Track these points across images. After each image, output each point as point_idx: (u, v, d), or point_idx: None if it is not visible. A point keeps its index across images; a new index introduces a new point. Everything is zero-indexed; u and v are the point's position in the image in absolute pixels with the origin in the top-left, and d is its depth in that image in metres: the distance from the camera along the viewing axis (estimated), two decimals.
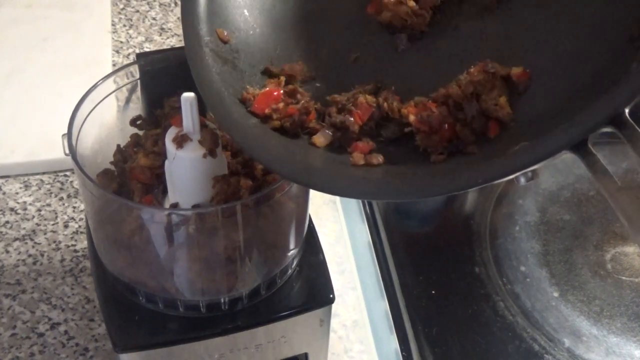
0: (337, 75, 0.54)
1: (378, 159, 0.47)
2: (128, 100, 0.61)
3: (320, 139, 0.49)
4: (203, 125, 0.52)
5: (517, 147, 0.41)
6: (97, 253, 0.58)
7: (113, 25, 1.04)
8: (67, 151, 0.53)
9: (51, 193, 0.82)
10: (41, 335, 0.69)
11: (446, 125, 0.46)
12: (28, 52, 0.96)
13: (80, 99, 0.56)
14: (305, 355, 0.62)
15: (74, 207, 0.81)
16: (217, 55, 0.51)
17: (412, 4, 0.52)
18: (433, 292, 0.75)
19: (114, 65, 0.97)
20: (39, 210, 0.80)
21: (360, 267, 0.78)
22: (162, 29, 1.04)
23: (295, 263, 0.60)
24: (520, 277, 0.76)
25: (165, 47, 1.01)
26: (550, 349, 0.70)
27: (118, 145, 0.59)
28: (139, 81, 0.60)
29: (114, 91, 0.59)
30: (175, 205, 0.54)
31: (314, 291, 0.59)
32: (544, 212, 0.83)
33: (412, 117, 0.47)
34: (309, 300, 0.59)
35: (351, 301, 0.75)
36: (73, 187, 0.83)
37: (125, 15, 1.06)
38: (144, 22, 1.05)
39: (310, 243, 0.61)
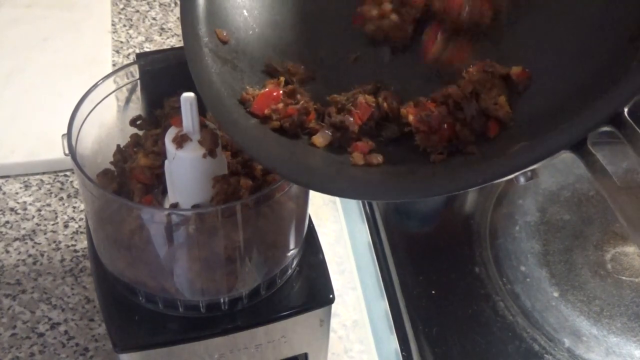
0: (336, 75, 0.54)
1: (378, 158, 0.47)
2: (128, 100, 0.61)
3: (319, 139, 0.49)
4: (203, 125, 0.52)
5: (516, 146, 0.41)
6: (97, 253, 0.58)
7: (113, 25, 1.04)
8: (67, 151, 0.53)
9: (51, 193, 0.82)
10: (41, 335, 0.69)
11: (445, 125, 0.46)
12: (28, 52, 0.96)
13: (80, 99, 0.56)
14: (305, 355, 0.62)
15: (74, 207, 0.81)
16: (216, 55, 0.51)
17: (394, 17, 0.52)
18: (433, 292, 0.75)
19: (114, 65, 0.97)
20: (39, 210, 0.80)
21: (360, 267, 0.78)
22: (162, 29, 1.04)
23: (295, 263, 0.60)
24: (520, 277, 0.76)
25: (165, 47, 1.01)
26: (550, 349, 0.70)
27: (118, 145, 0.59)
28: (139, 81, 0.60)
29: (114, 91, 0.59)
30: (175, 205, 0.54)
31: (314, 291, 0.59)
32: (544, 212, 0.83)
33: (411, 117, 0.47)
34: (309, 300, 0.59)
35: (351, 301, 0.75)
36: (73, 187, 0.83)
37: (125, 15, 1.06)
38: (144, 22, 1.05)
39: (310, 243, 0.61)
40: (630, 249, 0.79)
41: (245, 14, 0.55)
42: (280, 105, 0.50)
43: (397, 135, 0.49)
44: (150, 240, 0.53)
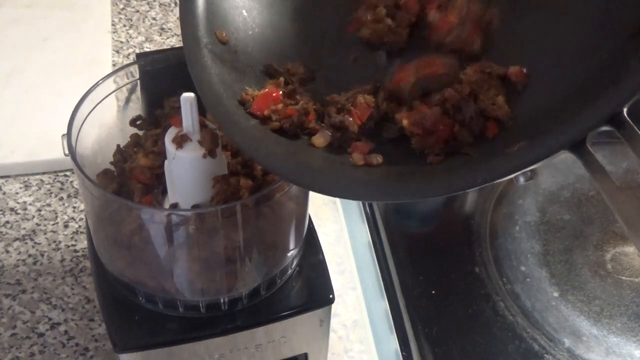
0: (336, 75, 0.54)
1: (377, 159, 0.47)
2: (128, 100, 0.61)
3: (319, 140, 0.49)
4: (203, 126, 0.52)
5: (515, 146, 0.41)
6: (97, 253, 0.58)
7: (113, 25, 1.04)
8: (67, 151, 0.53)
9: (51, 193, 0.82)
10: (41, 335, 0.69)
11: (441, 127, 0.46)
12: (28, 52, 0.96)
13: (80, 99, 0.56)
14: (305, 355, 0.62)
15: (74, 207, 0.81)
16: (216, 56, 0.51)
17: (388, 22, 0.52)
18: (433, 292, 0.75)
19: (114, 65, 0.97)
20: (39, 210, 0.80)
21: (360, 267, 0.78)
22: (162, 29, 1.04)
23: (295, 263, 0.60)
24: (520, 277, 0.76)
25: (165, 47, 1.01)
26: (550, 349, 0.70)
27: (118, 145, 0.59)
28: (138, 81, 0.60)
29: (114, 91, 0.59)
30: (175, 206, 0.54)
31: (313, 291, 0.59)
32: (544, 212, 0.83)
33: (405, 122, 0.47)
34: (308, 300, 0.59)
35: (351, 301, 0.75)
36: (73, 187, 0.83)
37: (125, 15, 1.06)
38: (144, 22, 1.05)
39: (310, 243, 0.61)
40: (630, 249, 0.78)
41: (245, 14, 0.55)
42: (280, 106, 0.50)
43: (397, 136, 0.49)
44: (150, 240, 0.53)
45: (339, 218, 0.83)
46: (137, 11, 1.07)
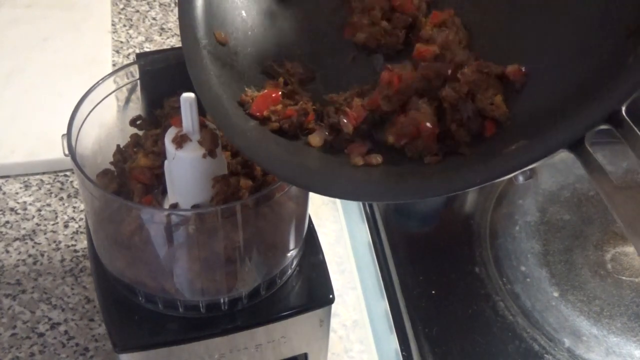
0: (336, 75, 0.54)
1: (377, 159, 0.47)
2: (128, 100, 0.61)
3: (315, 139, 0.49)
4: (203, 126, 0.52)
5: (514, 146, 0.41)
6: (97, 253, 0.58)
7: (113, 25, 1.04)
8: (67, 151, 0.53)
9: (51, 193, 0.82)
10: (41, 335, 0.69)
11: (424, 127, 0.46)
12: (28, 52, 0.96)
13: (80, 99, 0.56)
14: (305, 355, 0.62)
15: (74, 207, 0.81)
16: (215, 57, 0.51)
17: (384, 24, 0.52)
18: (433, 292, 0.75)
19: (114, 65, 0.97)
20: (39, 210, 0.80)
21: (360, 267, 0.78)
22: (162, 29, 1.04)
23: (295, 263, 0.60)
24: (520, 277, 0.76)
25: (165, 47, 1.01)
26: (550, 349, 0.70)
27: (118, 145, 0.59)
28: (138, 81, 0.60)
29: (114, 91, 0.59)
30: (175, 206, 0.54)
31: (313, 291, 0.59)
32: (544, 212, 0.83)
33: (391, 138, 0.47)
34: (308, 300, 0.59)
35: (351, 301, 0.75)
36: (73, 187, 0.83)
37: (125, 15, 1.06)
38: (144, 22, 1.05)
39: (310, 243, 0.61)
40: (630, 249, 0.78)
41: (244, 14, 0.55)
42: (279, 107, 0.50)
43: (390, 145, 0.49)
44: (150, 240, 0.53)
45: (339, 218, 0.83)
46: (137, 11, 1.07)
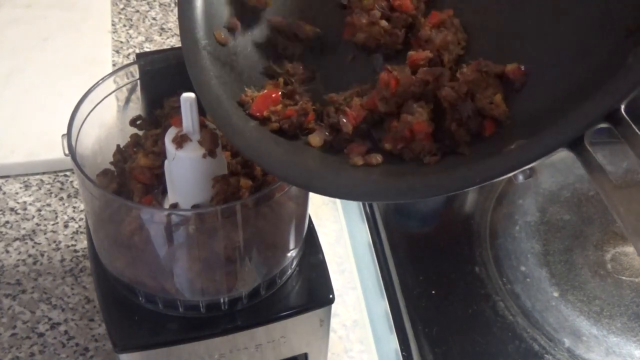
0: (336, 75, 0.54)
1: (377, 158, 0.47)
2: (128, 100, 0.61)
3: (315, 139, 0.49)
4: (203, 126, 0.52)
5: (513, 145, 0.41)
6: (97, 253, 0.58)
7: (113, 25, 1.04)
8: (67, 151, 0.53)
9: (51, 193, 0.82)
10: (41, 335, 0.69)
11: (418, 128, 0.46)
12: (28, 52, 0.96)
13: (80, 99, 0.56)
14: (305, 355, 0.62)
15: (74, 207, 0.81)
16: (215, 57, 0.51)
17: (384, 23, 0.52)
18: (433, 292, 0.75)
19: (114, 65, 0.97)
20: (39, 210, 0.80)
21: (360, 267, 0.78)
22: (162, 29, 1.04)
23: (295, 263, 0.60)
24: (520, 277, 0.76)
25: (165, 47, 1.01)
26: (550, 349, 0.70)
27: (118, 145, 0.59)
28: (138, 81, 0.60)
29: (114, 91, 0.59)
30: (175, 206, 0.54)
31: (314, 291, 0.59)
32: (544, 212, 0.83)
33: (387, 145, 0.47)
34: (308, 300, 0.59)
35: (351, 301, 0.75)
36: (73, 187, 0.83)
37: (125, 15, 1.06)
38: (144, 22, 1.05)
39: (310, 243, 0.61)
40: (630, 249, 0.78)
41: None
42: (279, 107, 0.50)
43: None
44: (150, 240, 0.53)
45: (339, 218, 0.83)
46: (137, 11, 1.07)
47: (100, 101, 0.58)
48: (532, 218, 0.83)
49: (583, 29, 0.45)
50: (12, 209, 0.80)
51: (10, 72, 0.93)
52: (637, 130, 0.38)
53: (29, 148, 0.84)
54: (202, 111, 0.51)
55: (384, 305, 0.75)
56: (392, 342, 0.72)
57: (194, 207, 0.54)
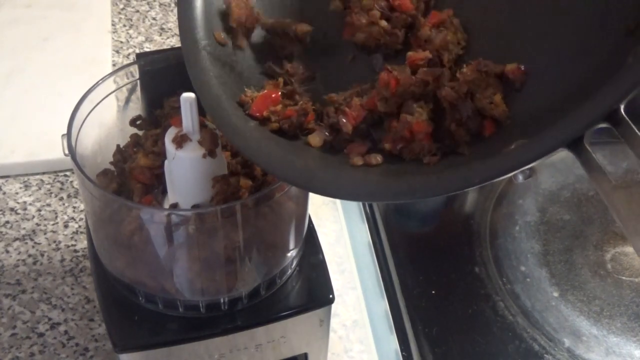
0: (336, 75, 0.54)
1: (377, 158, 0.47)
2: (128, 100, 0.61)
3: (315, 139, 0.49)
4: (202, 126, 0.52)
5: (513, 145, 0.41)
6: (97, 253, 0.58)
7: (113, 25, 1.04)
8: (67, 151, 0.53)
9: (51, 193, 0.82)
10: (41, 335, 0.69)
11: (417, 129, 0.46)
12: (28, 52, 0.96)
13: (80, 99, 0.56)
14: (305, 355, 0.62)
15: (74, 207, 0.81)
16: (214, 58, 0.51)
17: (384, 23, 0.52)
18: (433, 292, 0.75)
19: (114, 65, 0.97)
20: (39, 210, 0.80)
21: (360, 267, 0.78)
22: (162, 29, 1.04)
23: (295, 263, 0.60)
24: (520, 277, 0.76)
25: (165, 47, 1.01)
26: (550, 349, 0.70)
27: (118, 145, 0.59)
28: (138, 81, 0.60)
29: (113, 91, 0.59)
30: (174, 206, 0.54)
31: (313, 291, 0.59)
32: (544, 212, 0.83)
33: (387, 146, 0.47)
34: (308, 300, 0.59)
35: (351, 301, 0.75)
36: (73, 187, 0.83)
37: (125, 15, 1.06)
38: (144, 22, 1.05)
39: (310, 243, 0.61)
40: (630, 249, 0.78)
41: None
42: (279, 107, 0.50)
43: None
44: (150, 240, 0.53)
45: (339, 218, 0.83)
46: (137, 11, 1.07)
47: (100, 101, 0.58)
48: (532, 218, 0.83)
49: (583, 29, 0.44)
50: (12, 209, 0.80)
51: (10, 72, 0.93)
52: (637, 131, 0.38)
53: (29, 148, 0.84)
54: (202, 111, 0.51)
55: (384, 305, 0.75)
56: (392, 342, 0.72)
57: (194, 207, 0.54)
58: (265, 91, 0.51)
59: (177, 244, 0.53)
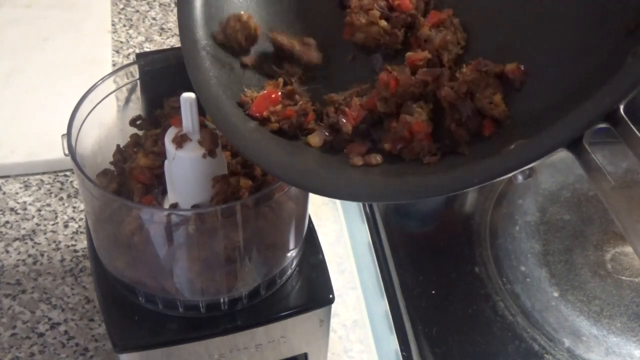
0: (336, 74, 0.54)
1: (377, 158, 0.47)
2: (128, 100, 0.61)
3: (314, 139, 0.49)
4: (202, 126, 0.52)
5: (513, 145, 0.41)
6: (97, 253, 0.58)
7: (113, 25, 1.04)
8: (67, 151, 0.53)
9: (51, 193, 0.82)
10: (41, 335, 0.69)
11: (417, 128, 0.46)
12: (28, 52, 0.96)
13: (80, 99, 0.56)
14: (305, 355, 0.62)
15: (74, 207, 0.81)
16: (214, 58, 0.51)
17: (383, 23, 0.52)
18: (433, 292, 0.75)
19: (114, 65, 0.97)
20: (39, 210, 0.80)
21: (360, 267, 0.78)
22: (162, 29, 1.04)
23: (295, 263, 0.60)
24: (520, 277, 0.76)
25: (165, 47, 1.01)
26: (550, 349, 0.70)
27: (118, 145, 0.59)
28: (138, 81, 0.60)
29: (113, 91, 0.59)
30: (174, 206, 0.54)
31: (313, 291, 0.59)
32: (544, 212, 0.83)
33: (387, 146, 0.47)
34: (308, 300, 0.59)
35: (351, 301, 0.75)
36: (73, 187, 0.83)
37: (125, 15, 1.06)
38: (144, 22, 1.05)
39: (310, 243, 0.61)
40: (630, 248, 0.78)
41: None
42: (279, 107, 0.50)
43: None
44: (150, 240, 0.53)
45: (339, 218, 0.83)
46: (137, 11, 1.07)
47: (100, 101, 0.58)
48: (532, 218, 0.83)
49: (583, 28, 0.44)
50: (12, 209, 0.80)
51: (10, 72, 0.93)
52: (636, 131, 0.38)
53: (29, 148, 0.84)
54: (202, 111, 0.51)
55: (384, 305, 0.75)
56: (392, 342, 0.72)
57: (194, 207, 0.54)
58: (265, 91, 0.51)
59: (177, 244, 0.53)
